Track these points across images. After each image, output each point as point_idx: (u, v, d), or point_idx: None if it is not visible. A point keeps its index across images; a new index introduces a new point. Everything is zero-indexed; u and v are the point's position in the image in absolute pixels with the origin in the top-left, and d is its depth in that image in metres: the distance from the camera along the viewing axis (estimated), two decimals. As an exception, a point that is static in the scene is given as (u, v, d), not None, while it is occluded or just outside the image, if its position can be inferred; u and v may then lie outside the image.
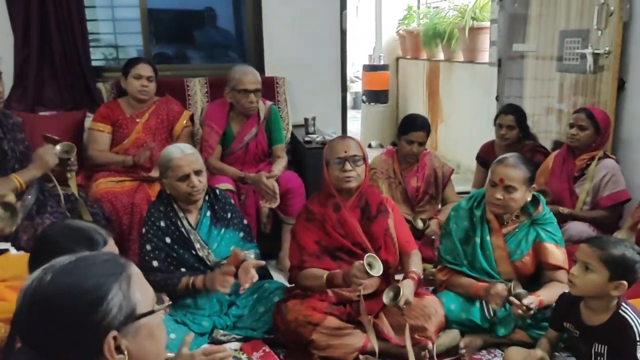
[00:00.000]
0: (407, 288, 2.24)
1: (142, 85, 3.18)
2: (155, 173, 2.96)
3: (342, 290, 2.34)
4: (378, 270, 2.09)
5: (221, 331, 2.38)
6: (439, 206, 3.49)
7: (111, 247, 1.50)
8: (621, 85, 3.24)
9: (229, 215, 2.54)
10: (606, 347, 1.83)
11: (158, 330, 1.01)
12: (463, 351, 2.31)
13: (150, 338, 0.98)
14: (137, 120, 3.24)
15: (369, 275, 2.08)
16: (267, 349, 2.33)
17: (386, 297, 2.19)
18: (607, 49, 3.23)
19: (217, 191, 2.57)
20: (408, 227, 2.58)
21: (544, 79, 3.93)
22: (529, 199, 2.38)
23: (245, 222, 2.62)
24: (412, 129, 3.30)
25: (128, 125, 3.22)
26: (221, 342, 2.34)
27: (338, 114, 4.22)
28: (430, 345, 2.22)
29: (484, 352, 2.38)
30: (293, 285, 2.47)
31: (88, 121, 3.37)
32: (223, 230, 2.50)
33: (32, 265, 1.47)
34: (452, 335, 2.38)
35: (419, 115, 3.55)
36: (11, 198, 2.15)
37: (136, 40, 4.02)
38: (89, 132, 3.21)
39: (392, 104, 7.13)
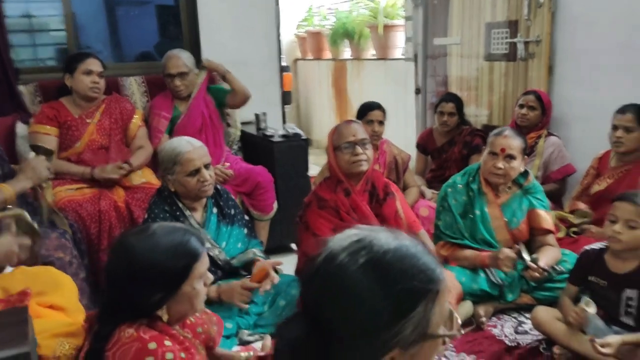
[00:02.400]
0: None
1: (94, 82, 2.89)
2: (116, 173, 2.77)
3: None
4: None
5: (246, 331, 2.23)
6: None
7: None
8: (550, 71, 3.59)
9: (232, 211, 2.40)
10: (637, 291, 2.02)
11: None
12: (483, 319, 2.41)
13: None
14: (88, 120, 2.93)
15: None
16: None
17: None
18: (538, 37, 3.56)
19: (219, 186, 2.40)
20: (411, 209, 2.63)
21: (470, 69, 4.22)
22: (522, 169, 2.56)
23: (246, 217, 2.49)
24: (369, 109, 3.38)
25: (78, 127, 2.89)
26: (249, 343, 2.19)
27: (278, 110, 4.16)
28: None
29: (494, 319, 2.50)
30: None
31: (20, 127, 2.97)
32: (229, 227, 2.36)
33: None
34: (466, 307, 2.46)
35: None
36: (25, 215, 1.74)
37: (58, 38, 3.62)
38: (32, 137, 2.82)
39: (295, 105, 7.18)
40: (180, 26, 3.87)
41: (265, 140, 3.34)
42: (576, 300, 2.23)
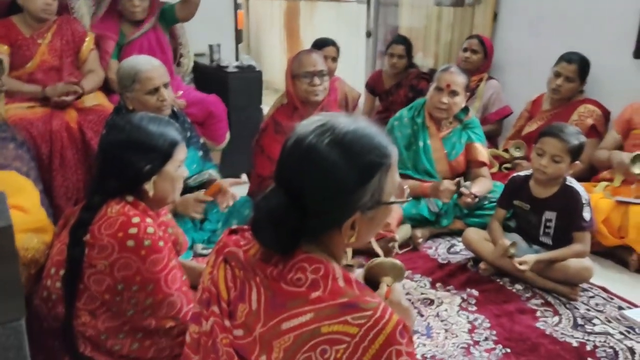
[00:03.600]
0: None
1: (46, 3, 2.82)
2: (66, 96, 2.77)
3: None
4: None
5: (200, 245, 2.35)
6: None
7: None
8: (494, 17, 3.77)
9: (188, 133, 2.47)
10: (555, 213, 2.27)
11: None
12: (420, 240, 2.63)
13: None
14: (39, 41, 2.88)
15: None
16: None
17: None
18: (485, -16, 3.71)
19: (175, 108, 2.46)
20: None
21: (420, 15, 4.35)
22: (463, 105, 2.75)
23: (202, 140, 2.57)
24: (324, 44, 3.47)
25: (29, 47, 2.85)
26: (202, 256, 2.32)
27: (232, 44, 4.17)
28: (396, 237, 2.48)
29: (429, 242, 2.72)
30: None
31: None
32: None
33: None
34: (405, 229, 2.67)
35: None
36: None
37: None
38: (-18, 53, 2.76)
39: (245, 44, 7.12)
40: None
41: (220, 71, 3.39)
42: (505, 227, 2.48)
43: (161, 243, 1.43)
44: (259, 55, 7.21)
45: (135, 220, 1.40)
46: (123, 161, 1.45)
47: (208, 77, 3.59)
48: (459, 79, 2.66)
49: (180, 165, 1.57)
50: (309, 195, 0.97)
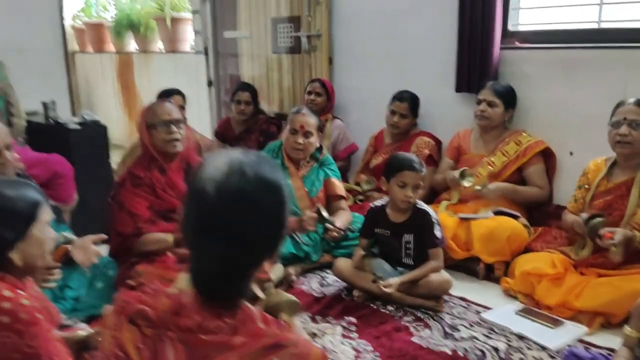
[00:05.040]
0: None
1: None
2: None
3: None
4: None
5: (63, 316, 2.14)
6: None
7: None
8: (330, 62, 4.05)
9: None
10: (413, 234, 2.47)
11: None
12: (293, 277, 2.68)
13: None
14: None
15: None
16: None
17: None
18: (318, 31, 3.98)
19: (19, 172, 2.26)
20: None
21: (261, 62, 4.51)
22: (317, 144, 2.90)
23: (53, 203, 2.37)
24: (169, 94, 3.49)
25: None
26: (68, 327, 2.12)
27: (66, 99, 3.96)
28: (271, 277, 2.50)
29: (302, 278, 2.79)
30: (129, 254, 2.39)
31: None
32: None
33: None
34: (278, 268, 2.70)
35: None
36: None
37: None
38: None
39: (75, 100, 6.73)
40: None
41: (60, 128, 3.18)
42: (367, 250, 2.63)
43: (38, 315, 1.30)
44: (92, 110, 6.83)
45: (7, 293, 1.27)
46: None
47: (45, 136, 3.35)
48: (311, 120, 2.82)
49: (47, 224, 1.46)
50: (254, 236, 0.98)
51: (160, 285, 1.07)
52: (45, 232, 1.45)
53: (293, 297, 1.34)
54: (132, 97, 6.18)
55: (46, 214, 1.45)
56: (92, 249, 2.13)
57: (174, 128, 2.41)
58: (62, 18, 3.92)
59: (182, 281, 1.05)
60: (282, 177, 1.05)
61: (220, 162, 1.00)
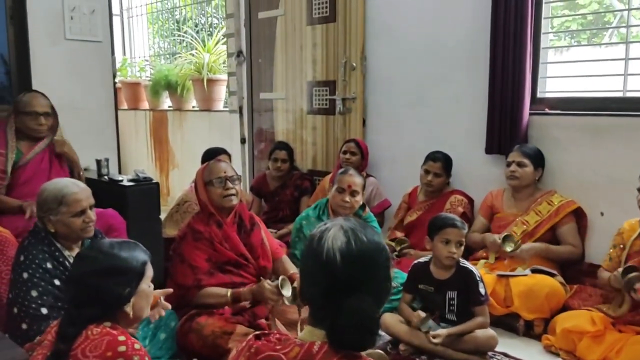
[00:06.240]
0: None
1: None
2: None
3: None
4: (287, 290, 2.40)
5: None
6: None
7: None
8: (363, 123, 4.27)
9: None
10: (456, 292, 2.59)
11: None
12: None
13: None
14: None
15: (281, 295, 2.39)
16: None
17: (287, 299, 2.49)
18: (353, 95, 4.22)
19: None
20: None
21: (295, 122, 4.74)
22: (361, 202, 3.06)
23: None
24: (216, 153, 3.68)
25: None
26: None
27: (115, 156, 4.16)
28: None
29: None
30: (187, 306, 2.52)
31: None
32: (105, 265, 2.39)
33: None
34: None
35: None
36: None
37: None
38: None
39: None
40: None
41: (115, 185, 3.37)
42: (412, 308, 2.75)
43: (147, 359, 1.45)
44: (125, 166, 7.09)
45: (122, 338, 1.44)
46: (101, 289, 1.51)
47: (99, 192, 3.52)
48: (357, 180, 3.00)
49: (150, 279, 1.64)
50: (378, 289, 1.16)
51: (288, 334, 1.21)
52: (150, 286, 1.62)
53: (381, 352, 1.46)
54: (165, 152, 6.43)
55: (150, 270, 1.63)
56: (162, 303, 2.28)
57: (229, 184, 2.59)
58: (114, 77, 4.16)
59: (306, 332, 1.18)
60: (381, 237, 1.22)
61: (335, 232, 1.16)
